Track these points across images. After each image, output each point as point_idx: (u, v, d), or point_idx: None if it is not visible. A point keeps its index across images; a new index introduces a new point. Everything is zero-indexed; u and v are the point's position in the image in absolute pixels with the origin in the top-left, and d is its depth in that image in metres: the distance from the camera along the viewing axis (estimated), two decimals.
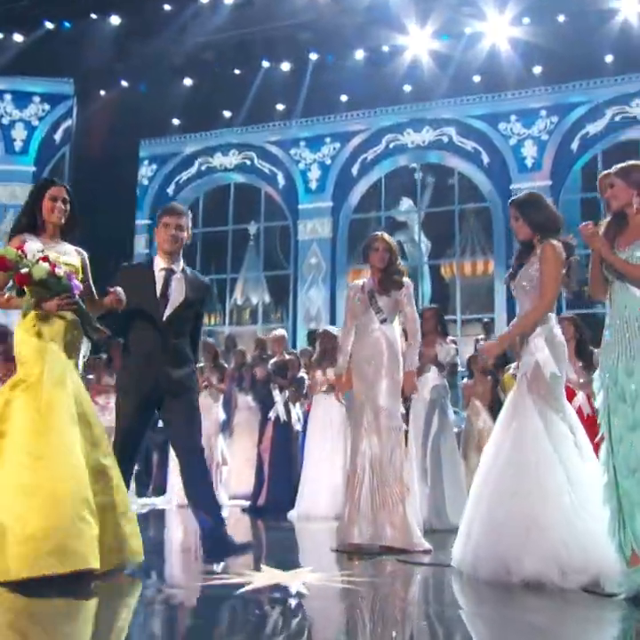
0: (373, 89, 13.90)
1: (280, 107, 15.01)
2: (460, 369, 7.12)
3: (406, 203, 15.15)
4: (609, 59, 12.78)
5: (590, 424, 6.44)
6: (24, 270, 3.55)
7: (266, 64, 14.13)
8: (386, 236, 5.15)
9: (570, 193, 13.56)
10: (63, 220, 3.87)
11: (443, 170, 14.96)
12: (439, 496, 5.96)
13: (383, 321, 4.91)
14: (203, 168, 16.05)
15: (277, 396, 7.71)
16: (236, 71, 14.34)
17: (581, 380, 6.67)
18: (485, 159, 14.16)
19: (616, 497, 3.39)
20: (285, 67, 14.26)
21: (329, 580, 3.65)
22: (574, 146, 13.63)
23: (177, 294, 4.20)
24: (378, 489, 4.66)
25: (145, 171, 15.98)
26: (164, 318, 4.17)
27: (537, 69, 13.28)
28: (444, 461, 6.08)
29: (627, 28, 11.84)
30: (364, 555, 4.52)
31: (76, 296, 3.69)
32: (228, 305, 16.14)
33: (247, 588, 3.27)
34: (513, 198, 4.20)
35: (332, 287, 14.43)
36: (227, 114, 15.30)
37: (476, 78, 13.63)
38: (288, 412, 7.71)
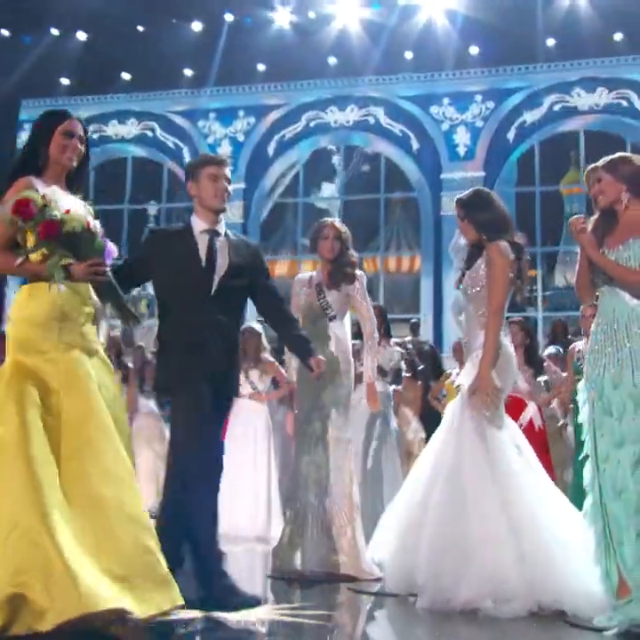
0: (295, 59, 13.85)
1: (188, 72, 14.74)
2: (404, 374, 7.14)
3: (328, 188, 15.18)
4: (551, 42, 13.22)
5: (541, 437, 6.64)
6: (53, 215, 3.05)
7: (174, 22, 13.84)
8: (336, 222, 5.06)
9: (504, 185, 13.92)
10: (75, 164, 3.39)
11: (367, 154, 15.07)
12: (379, 515, 5.92)
13: (332, 318, 4.83)
14: (95, 137, 15.49)
15: None
16: (139, 28, 13.98)
17: (531, 390, 6.81)
18: (415, 144, 14.35)
19: (602, 520, 3.42)
20: (196, 27, 14.02)
21: (281, 614, 3.53)
22: (510, 135, 14.01)
23: (221, 261, 3.79)
24: (324, 508, 4.58)
25: (26, 136, 15.29)
26: (212, 291, 3.71)
27: (474, 50, 13.59)
28: (385, 477, 6.06)
29: (573, 10, 12.26)
30: (307, 582, 4.42)
31: (108, 265, 3.24)
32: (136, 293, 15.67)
33: (194, 626, 3.11)
34: (458, 197, 4.28)
35: None
36: (126, 76, 14.91)
37: (408, 55, 13.82)
38: None
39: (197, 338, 3.64)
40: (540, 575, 3.58)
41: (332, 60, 14.12)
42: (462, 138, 14.03)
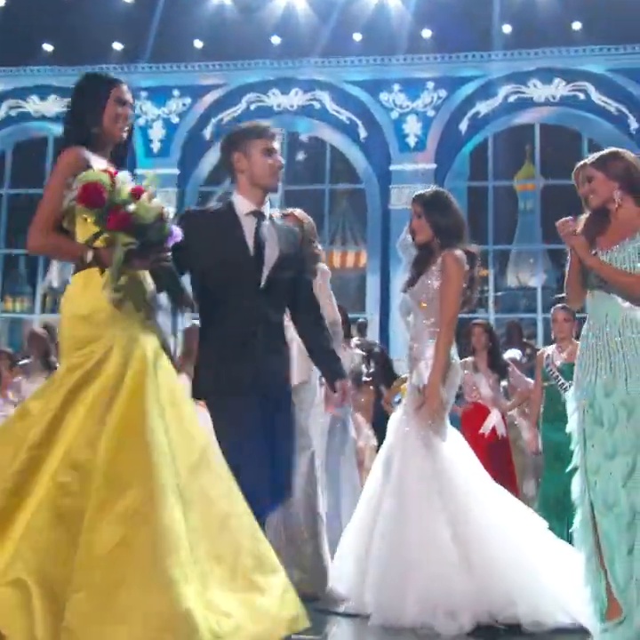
0: (235, 37, 13.74)
1: (118, 46, 14.47)
2: (365, 379, 7.13)
3: None
4: (507, 29, 13.38)
5: (505, 446, 6.71)
6: (131, 208, 2.80)
7: None
8: (298, 212, 5.00)
9: (456, 179, 14.07)
10: (125, 135, 3.23)
11: (312, 141, 15.03)
12: (335, 529, 5.90)
13: None
14: (12, 113, 15.20)
15: None
16: None
17: (495, 396, 6.87)
18: (362, 133, 14.38)
19: (592, 538, 3.45)
20: None
21: None
22: (463, 126, 14.15)
23: (270, 249, 3.47)
24: (284, 522, 4.52)
25: None
26: (262, 283, 3.45)
27: (427, 33, 13.66)
28: (342, 487, 6.02)
29: None
30: None
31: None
32: (40, 288, 15.46)
33: None
34: (417, 194, 4.37)
35: None
36: (48, 48, 14.58)
37: (357, 37, 13.81)
38: None
39: (246, 339, 3.40)
40: (488, 584, 3.69)
41: (276, 40, 14.02)
42: (413, 127, 14.11)
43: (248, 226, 3.51)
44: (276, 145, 3.59)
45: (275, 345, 3.52)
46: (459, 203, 4.45)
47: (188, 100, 14.57)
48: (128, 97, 3.23)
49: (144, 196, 2.87)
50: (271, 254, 3.52)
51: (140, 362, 2.85)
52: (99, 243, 2.89)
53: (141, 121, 14.63)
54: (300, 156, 15.41)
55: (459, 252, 4.10)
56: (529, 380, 6.95)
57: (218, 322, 3.47)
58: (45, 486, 2.61)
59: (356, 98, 14.29)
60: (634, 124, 13.64)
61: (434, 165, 13.90)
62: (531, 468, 7.53)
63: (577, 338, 6.18)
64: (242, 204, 3.55)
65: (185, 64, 14.45)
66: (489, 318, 14.10)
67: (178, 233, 3.01)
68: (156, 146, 14.56)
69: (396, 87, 14.20)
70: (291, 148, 15.25)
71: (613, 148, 3.76)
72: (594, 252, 3.58)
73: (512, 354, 8.07)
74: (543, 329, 13.95)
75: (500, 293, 15.76)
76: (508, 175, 15.35)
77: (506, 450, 6.74)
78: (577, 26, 13.40)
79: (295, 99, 14.53)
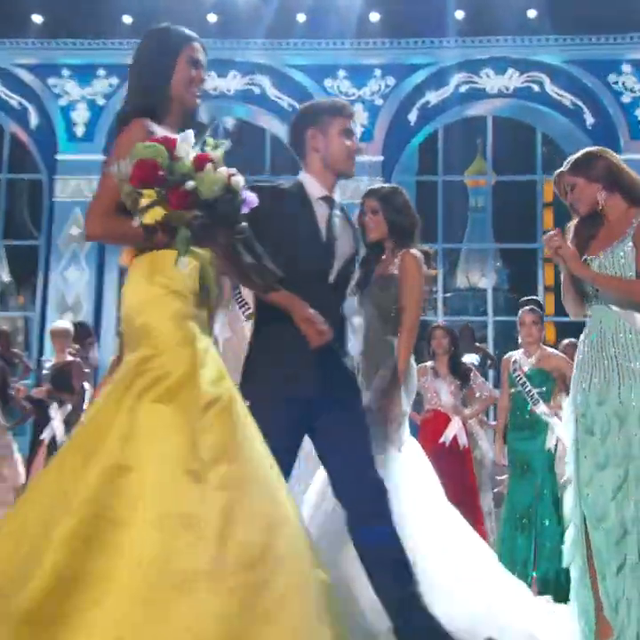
0: (168, 13, 13.46)
1: (37, 19, 14.14)
2: None
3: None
4: (460, 15, 13.49)
5: (467, 457, 6.77)
6: (189, 185, 2.61)
7: None
8: None
9: (405, 173, 14.11)
10: (198, 102, 3.06)
11: (251, 129, 14.93)
12: None
13: (250, 317, 4.74)
14: None
15: (55, 411, 7.21)
16: None
17: (456, 403, 6.92)
18: None
19: (582, 553, 3.50)
20: None
21: None
22: (412, 116, 14.18)
23: (344, 241, 3.39)
24: None
25: None
26: (332, 277, 3.36)
27: (375, 17, 13.68)
28: (297, 496, 6.00)
29: None
30: None
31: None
32: None
33: None
34: (373, 188, 4.43)
35: (100, 267, 13.82)
36: None
37: (301, 18, 13.77)
38: (70, 433, 7.24)
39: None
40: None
41: (212, 18, 13.87)
42: (359, 117, 13.97)
43: (320, 212, 3.41)
44: (354, 126, 3.50)
45: (342, 343, 3.43)
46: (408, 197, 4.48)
47: (115, 81, 14.26)
48: (202, 57, 3.08)
49: (208, 167, 2.71)
50: (344, 247, 3.43)
51: (217, 366, 2.71)
52: (153, 220, 2.74)
53: (63, 101, 14.31)
54: (237, 145, 15.29)
55: (418, 254, 4.16)
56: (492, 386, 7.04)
57: (277, 317, 3.27)
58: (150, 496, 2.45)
59: (299, 83, 14.19)
60: (589, 119, 13.85)
61: (381, 158, 13.87)
62: (487, 480, 7.61)
63: (545, 342, 6.34)
64: (313, 187, 3.45)
65: (112, 40, 14.13)
66: (437, 321, 14.25)
67: (252, 199, 2.85)
68: (79, 130, 14.24)
69: (342, 73, 14.17)
70: (226, 135, 15.12)
71: (589, 149, 3.85)
72: (583, 258, 3.64)
73: (470, 358, 8.16)
74: (494, 332, 14.13)
75: (448, 294, 15.92)
76: (458, 170, 15.50)
77: (467, 460, 6.80)
78: (532, 14, 13.55)
79: (233, 82, 14.39)
